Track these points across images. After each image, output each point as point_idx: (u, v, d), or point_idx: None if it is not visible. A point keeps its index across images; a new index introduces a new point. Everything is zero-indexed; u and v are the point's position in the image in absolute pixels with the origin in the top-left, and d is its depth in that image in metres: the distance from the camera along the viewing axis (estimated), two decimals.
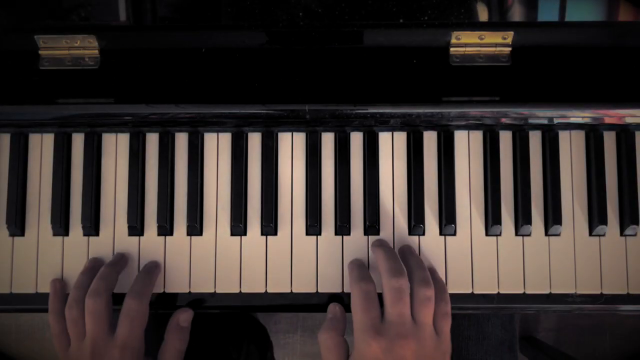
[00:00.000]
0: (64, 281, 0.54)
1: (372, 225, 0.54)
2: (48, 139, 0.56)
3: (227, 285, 0.54)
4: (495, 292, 0.54)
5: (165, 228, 0.54)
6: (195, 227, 0.54)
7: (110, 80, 0.53)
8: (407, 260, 0.51)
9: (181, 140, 0.55)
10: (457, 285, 0.54)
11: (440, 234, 0.54)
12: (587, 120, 0.52)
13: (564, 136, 0.55)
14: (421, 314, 0.47)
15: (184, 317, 0.53)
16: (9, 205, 0.54)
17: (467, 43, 0.52)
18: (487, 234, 0.54)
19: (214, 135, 0.56)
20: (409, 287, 0.48)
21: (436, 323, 0.48)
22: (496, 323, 0.69)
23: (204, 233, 0.55)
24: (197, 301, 0.54)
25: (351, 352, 0.48)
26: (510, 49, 0.52)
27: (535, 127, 0.54)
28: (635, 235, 0.54)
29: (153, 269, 0.53)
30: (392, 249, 0.53)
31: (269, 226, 0.54)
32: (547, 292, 0.54)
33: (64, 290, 0.53)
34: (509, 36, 0.52)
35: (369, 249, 0.54)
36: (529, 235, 0.54)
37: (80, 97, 0.52)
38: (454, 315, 0.50)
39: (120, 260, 0.53)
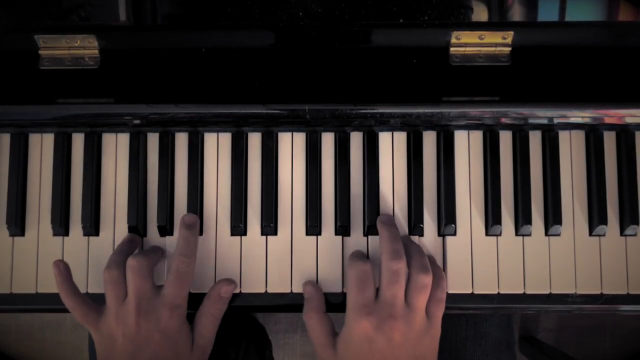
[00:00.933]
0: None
1: (372, 225, 0.54)
2: (48, 139, 0.56)
3: None
4: (495, 292, 0.54)
5: (165, 228, 0.54)
6: None
7: (110, 80, 0.53)
8: (408, 247, 0.51)
9: (181, 140, 0.55)
10: (457, 285, 0.54)
11: (440, 233, 0.54)
12: (587, 120, 0.52)
13: (564, 136, 0.55)
14: (415, 299, 0.48)
15: (225, 289, 0.52)
16: (9, 205, 0.54)
17: (467, 43, 0.52)
18: (487, 234, 0.54)
19: (214, 135, 0.56)
20: (406, 271, 0.49)
21: (429, 308, 0.49)
22: (494, 323, 0.69)
23: (204, 233, 0.55)
24: (197, 301, 0.54)
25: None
26: (510, 48, 0.52)
27: (535, 127, 0.54)
28: (635, 235, 0.54)
29: (194, 227, 0.52)
30: (397, 229, 0.52)
31: (269, 226, 0.54)
32: (547, 292, 0.54)
33: (68, 270, 0.51)
34: (508, 36, 0.52)
35: (377, 227, 0.53)
36: (529, 235, 0.54)
37: (80, 97, 0.52)
38: (451, 315, 0.50)
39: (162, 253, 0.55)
